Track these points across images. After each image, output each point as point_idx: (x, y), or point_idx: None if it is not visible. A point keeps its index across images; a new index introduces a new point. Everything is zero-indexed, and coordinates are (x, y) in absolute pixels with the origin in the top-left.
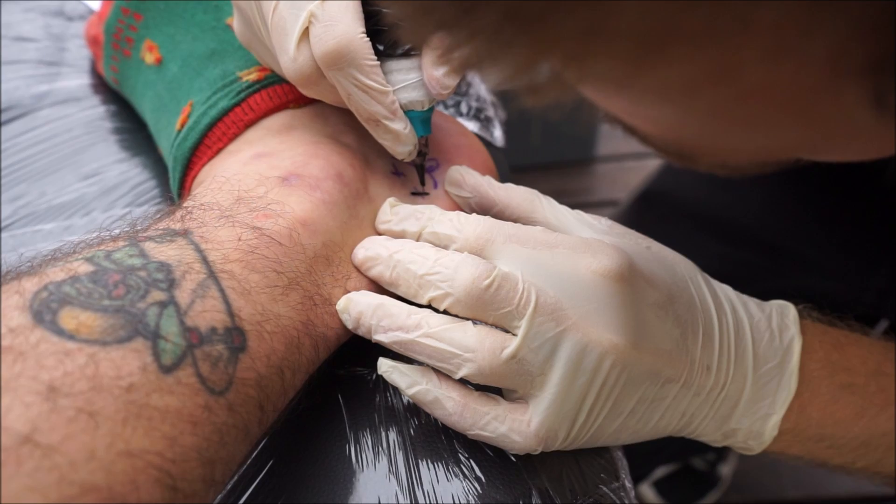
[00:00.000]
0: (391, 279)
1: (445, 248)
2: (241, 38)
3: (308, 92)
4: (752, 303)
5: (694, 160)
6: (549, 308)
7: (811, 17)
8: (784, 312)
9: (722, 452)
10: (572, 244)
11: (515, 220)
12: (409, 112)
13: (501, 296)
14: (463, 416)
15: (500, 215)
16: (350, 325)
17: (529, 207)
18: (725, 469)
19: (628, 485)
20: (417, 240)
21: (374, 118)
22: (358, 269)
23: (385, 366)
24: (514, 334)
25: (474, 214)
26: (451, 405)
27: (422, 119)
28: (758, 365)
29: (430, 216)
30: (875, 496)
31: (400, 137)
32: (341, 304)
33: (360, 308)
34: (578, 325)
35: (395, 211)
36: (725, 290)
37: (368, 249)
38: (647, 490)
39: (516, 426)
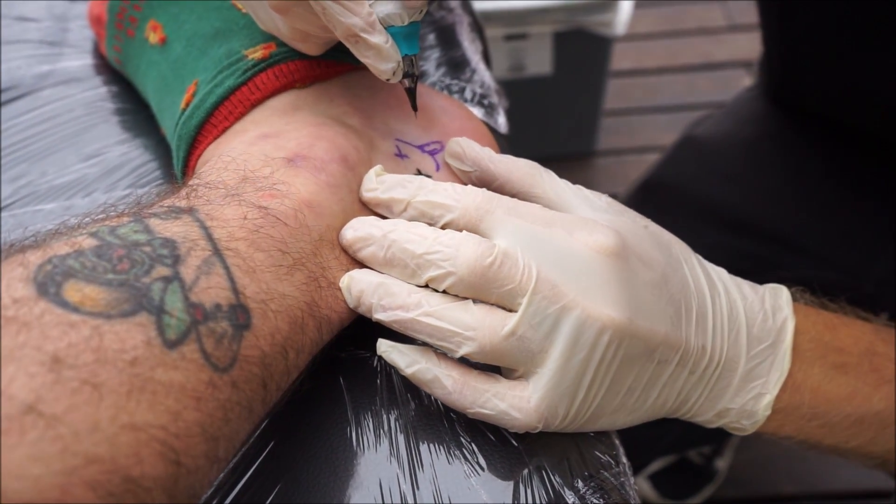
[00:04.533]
0: (385, 259)
1: (440, 217)
2: None
3: (288, 19)
4: (746, 285)
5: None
6: (549, 284)
7: None
8: (777, 294)
9: (718, 446)
10: (569, 222)
11: (514, 196)
12: (390, 28)
13: (504, 273)
14: (462, 394)
15: (499, 190)
16: (351, 304)
17: (530, 182)
18: (721, 463)
19: (628, 470)
20: (406, 209)
21: (353, 32)
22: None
23: (384, 345)
24: (514, 312)
25: (471, 186)
26: (451, 383)
27: (404, 35)
28: (751, 345)
29: (421, 185)
30: (869, 491)
31: (381, 52)
32: (343, 281)
33: (361, 286)
34: (577, 301)
35: (380, 180)
36: (719, 272)
37: (358, 230)
38: (642, 483)
39: (516, 402)
